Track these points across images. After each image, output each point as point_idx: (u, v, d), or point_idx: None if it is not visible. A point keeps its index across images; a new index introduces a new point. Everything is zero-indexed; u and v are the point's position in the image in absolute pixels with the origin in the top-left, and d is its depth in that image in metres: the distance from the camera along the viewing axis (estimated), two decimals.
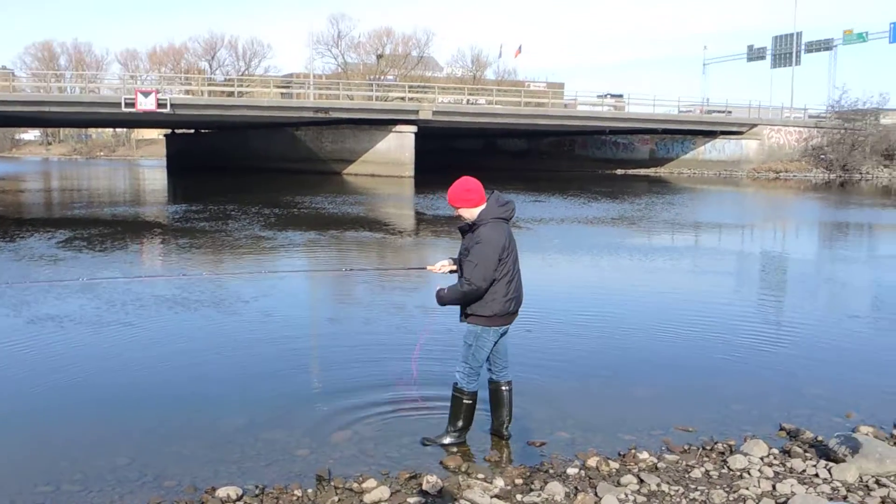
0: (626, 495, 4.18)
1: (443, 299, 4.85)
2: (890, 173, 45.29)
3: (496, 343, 4.96)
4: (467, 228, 4.85)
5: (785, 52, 66.83)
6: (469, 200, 4.77)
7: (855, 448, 4.65)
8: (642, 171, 49.67)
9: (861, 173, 45.07)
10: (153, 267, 13.18)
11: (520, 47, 74.85)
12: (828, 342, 8.06)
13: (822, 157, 46.57)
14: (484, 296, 4.73)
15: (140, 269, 12.82)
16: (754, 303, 10.47)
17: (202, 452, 4.83)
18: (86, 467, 4.60)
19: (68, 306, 9.09)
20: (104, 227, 18.45)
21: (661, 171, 49.58)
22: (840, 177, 44.48)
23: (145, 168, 62.80)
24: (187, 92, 46.36)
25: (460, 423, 5.01)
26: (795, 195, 34.26)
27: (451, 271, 5.08)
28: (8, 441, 5.08)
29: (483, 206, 4.77)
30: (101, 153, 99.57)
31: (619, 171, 50.02)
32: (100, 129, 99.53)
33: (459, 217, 4.86)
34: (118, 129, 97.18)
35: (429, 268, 5.27)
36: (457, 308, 4.92)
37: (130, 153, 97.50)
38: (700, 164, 49.10)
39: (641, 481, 4.36)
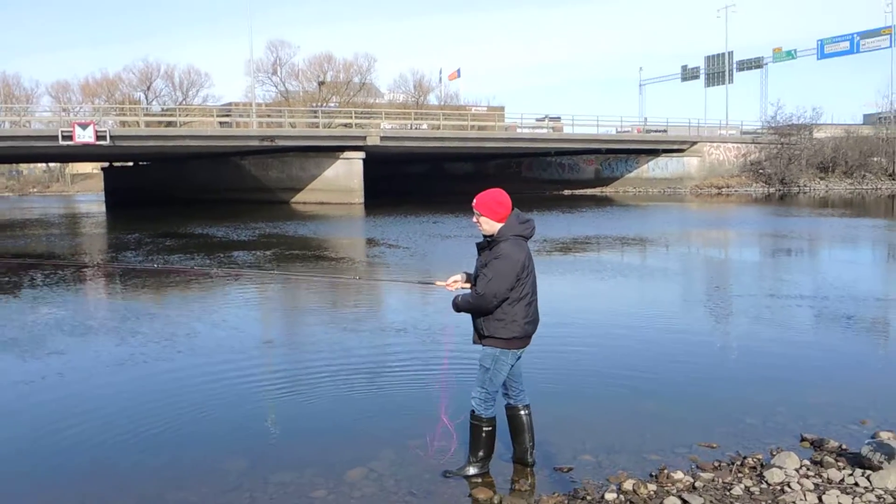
0: None
1: (458, 306, 4.68)
2: (826, 185, 46.92)
3: (512, 366, 4.74)
4: (485, 245, 4.63)
5: (717, 71, 69.23)
6: (495, 212, 4.55)
7: (890, 454, 4.56)
8: (588, 191, 50.36)
9: (799, 186, 46.57)
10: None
11: (457, 70, 75.57)
12: (822, 348, 8.08)
13: (761, 171, 48.01)
14: (494, 313, 4.52)
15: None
16: (739, 311, 10.42)
17: (211, 499, 4.44)
18: None
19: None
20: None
21: (607, 191, 50.36)
22: (779, 190, 45.84)
23: (82, 203, 60.76)
24: (123, 124, 45.14)
25: (481, 453, 4.75)
26: (758, 208, 35.08)
27: (464, 288, 4.84)
28: None
29: (504, 224, 4.56)
30: (35, 189, 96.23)
31: (567, 192, 50.62)
32: (31, 165, 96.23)
33: (478, 226, 4.63)
34: (51, 164, 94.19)
35: (438, 283, 4.98)
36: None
37: (66, 189, 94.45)
38: (644, 182, 50.06)
39: (685, 502, 4.17)
